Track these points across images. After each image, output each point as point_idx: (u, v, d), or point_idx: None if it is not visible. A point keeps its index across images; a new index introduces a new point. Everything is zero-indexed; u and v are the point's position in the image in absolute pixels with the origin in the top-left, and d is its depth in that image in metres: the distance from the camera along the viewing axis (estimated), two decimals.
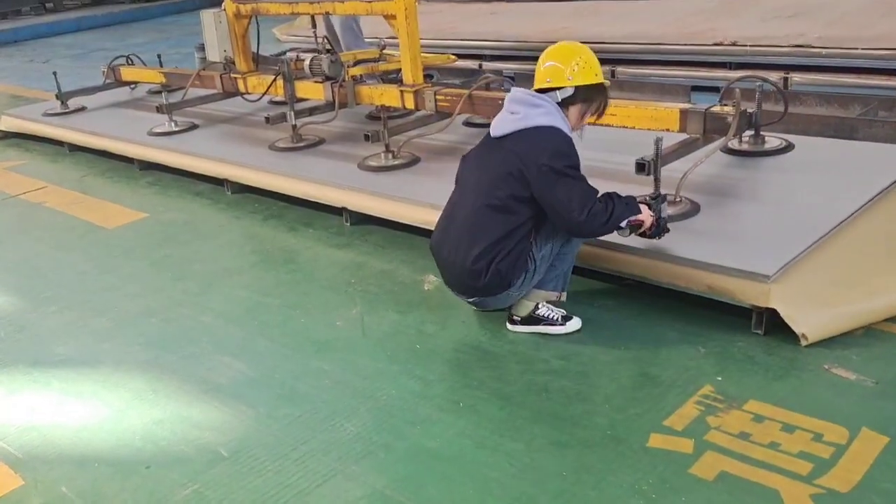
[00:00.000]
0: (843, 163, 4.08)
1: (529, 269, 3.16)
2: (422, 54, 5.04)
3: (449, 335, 3.41)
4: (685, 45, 6.60)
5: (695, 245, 3.34)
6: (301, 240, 4.55)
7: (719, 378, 2.93)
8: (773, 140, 4.33)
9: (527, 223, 3.11)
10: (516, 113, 3.17)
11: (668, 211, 3.35)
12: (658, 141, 3.43)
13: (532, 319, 3.33)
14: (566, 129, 3.15)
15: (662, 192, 3.37)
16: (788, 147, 4.28)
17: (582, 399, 2.90)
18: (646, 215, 3.18)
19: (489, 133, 3.28)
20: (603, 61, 3.45)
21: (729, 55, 6.33)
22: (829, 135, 4.61)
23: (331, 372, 3.23)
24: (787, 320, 3.01)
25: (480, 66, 7.32)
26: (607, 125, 3.95)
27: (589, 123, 3.37)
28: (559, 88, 3.16)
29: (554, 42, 3.34)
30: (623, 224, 3.14)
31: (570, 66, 3.17)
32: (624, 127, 4.14)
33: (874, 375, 2.85)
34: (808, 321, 3.01)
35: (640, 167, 3.52)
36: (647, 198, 3.26)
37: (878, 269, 3.29)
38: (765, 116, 4.23)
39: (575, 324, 3.33)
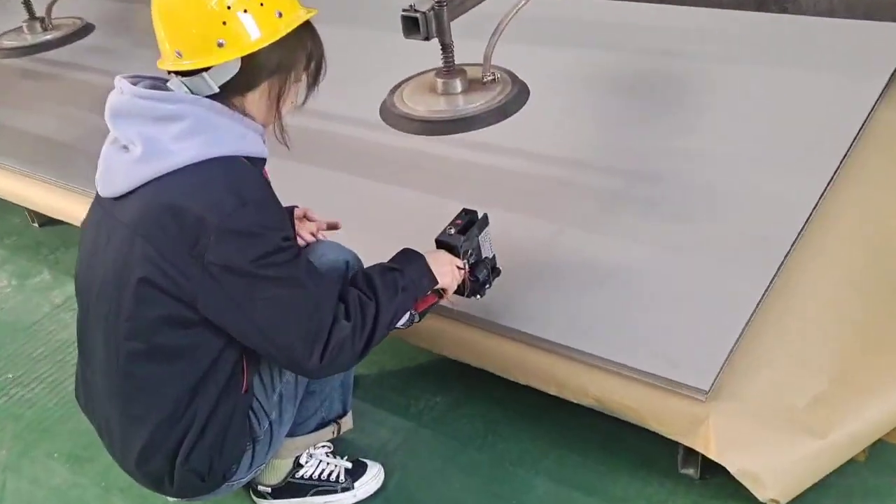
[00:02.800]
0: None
1: (260, 435, 1.64)
2: None
3: None
4: None
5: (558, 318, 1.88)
6: None
7: None
8: None
9: (221, 361, 1.52)
10: (132, 146, 1.43)
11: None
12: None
13: (293, 488, 1.85)
14: (244, 157, 1.46)
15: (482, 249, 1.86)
16: None
17: None
18: (446, 275, 1.68)
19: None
20: None
21: None
22: None
23: None
24: (740, 477, 1.61)
25: None
26: None
27: None
28: (207, 69, 1.44)
29: None
30: (404, 319, 1.66)
31: (218, 9, 1.41)
32: None
33: None
34: (774, 470, 1.62)
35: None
36: (458, 243, 1.76)
37: (855, 357, 1.85)
38: None
39: (370, 482, 1.86)
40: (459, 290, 1.77)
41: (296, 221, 1.85)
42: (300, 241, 1.82)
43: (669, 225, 2.05)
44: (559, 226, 2.12)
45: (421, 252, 1.68)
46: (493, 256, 1.91)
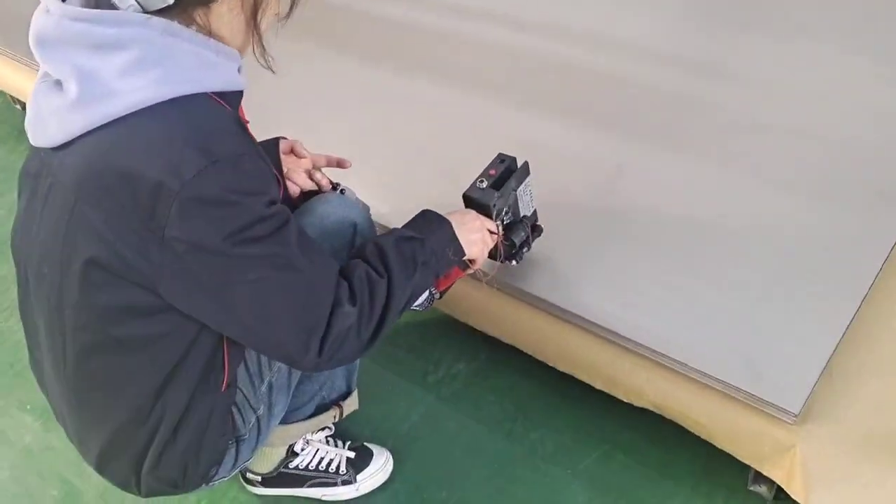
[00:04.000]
0: None
1: (244, 433, 1.34)
2: None
3: None
4: None
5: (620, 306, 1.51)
6: None
7: None
8: None
9: (195, 352, 1.19)
10: (66, 84, 1.04)
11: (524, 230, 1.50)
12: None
13: (286, 478, 1.58)
14: (214, 94, 1.08)
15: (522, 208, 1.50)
16: None
17: None
18: (476, 244, 1.34)
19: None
20: None
21: None
22: None
23: None
24: None
25: None
26: None
27: None
28: None
29: None
30: (422, 298, 1.32)
31: None
32: None
33: None
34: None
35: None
36: (491, 201, 1.38)
37: None
38: None
39: (376, 474, 1.58)
40: (491, 255, 1.42)
41: (283, 160, 1.47)
42: (292, 189, 1.45)
43: (760, 213, 1.63)
44: (618, 164, 1.71)
45: (444, 215, 1.31)
46: (534, 212, 1.54)
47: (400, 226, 1.29)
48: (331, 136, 1.93)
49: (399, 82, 2.14)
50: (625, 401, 1.47)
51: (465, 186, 1.40)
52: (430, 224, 1.29)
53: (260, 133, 1.26)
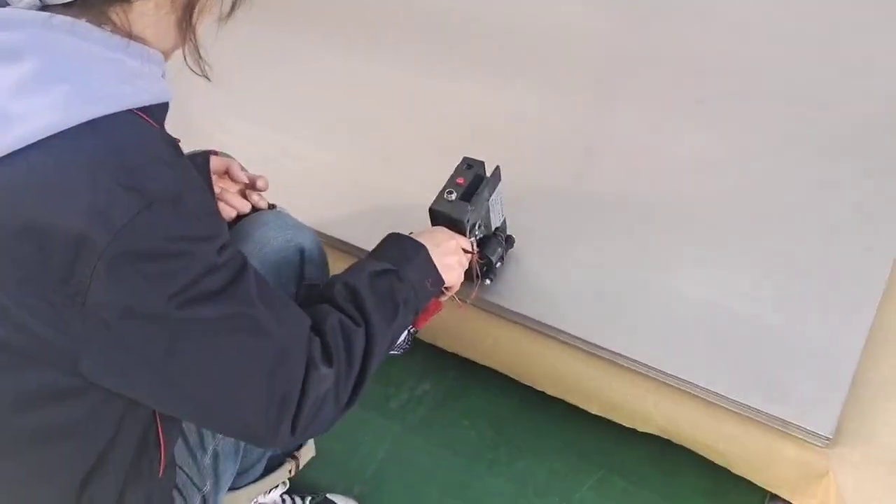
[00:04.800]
0: None
1: None
2: None
3: None
4: None
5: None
6: None
7: None
8: None
9: (122, 435, 0.92)
10: None
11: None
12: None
13: None
14: (137, 110, 0.82)
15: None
16: None
17: None
18: (453, 269, 1.13)
19: None
20: None
21: None
22: None
23: None
24: None
25: None
26: None
27: None
28: None
29: None
30: (402, 337, 1.10)
31: None
32: None
33: None
34: None
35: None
36: (464, 216, 1.16)
37: None
38: None
39: None
40: (466, 276, 1.21)
41: (214, 181, 1.20)
42: (226, 213, 1.19)
43: (768, 213, 1.44)
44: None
45: (417, 237, 1.09)
46: (504, 221, 1.33)
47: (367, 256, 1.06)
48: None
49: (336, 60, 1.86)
50: (626, 425, 1.29)
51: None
52: (403, 252, 1.07)
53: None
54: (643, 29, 1.79)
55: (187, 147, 0.98)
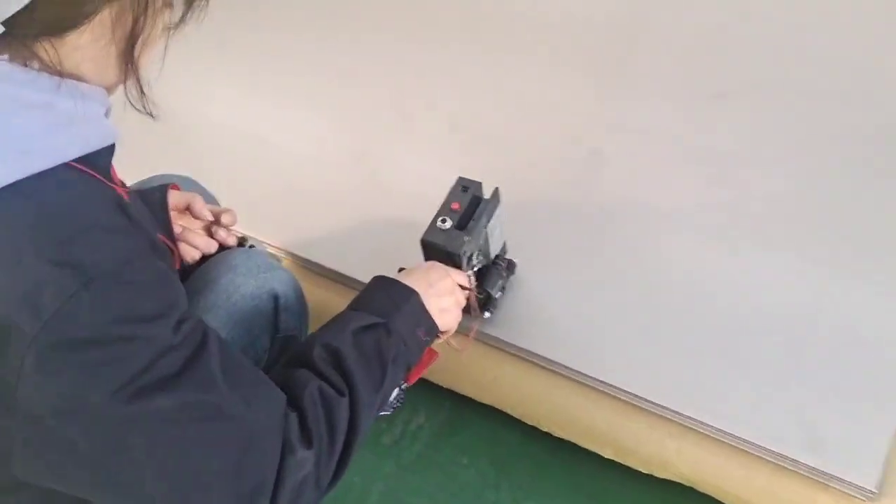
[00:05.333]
0: None
1: None
2: None
3: None
4: None
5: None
6: None
7: None
8: None
9: None
10: None
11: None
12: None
13: None
14: (73, 162, 0.69)
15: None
16: None
17: None
18: (450, 312, 0.99)
19: None
20: None
21: None
22: None
23: None
24: None
25: None
26: None
27: None
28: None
29: None
30: (392, 395, 0.95)
31: None
32: None
33: None
34: None
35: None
36: (459, 249, 1.02)
37: None
38: None
39: None
40: (463, 312, 1.07)
41: (175, 218, 1.05)
42: (188, 255, 1.05)
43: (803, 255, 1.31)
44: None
45: (405, 280, 0.96)
46: (504, 245, 1.19)
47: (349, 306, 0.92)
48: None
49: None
50: (643, 471, 1.17)
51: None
52: (391, 298, 0.94)
53: None
54: (657, 11, 1.64)
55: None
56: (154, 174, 1.21)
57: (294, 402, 0.80)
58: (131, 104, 0.78)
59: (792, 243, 1.24)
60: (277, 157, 1.53)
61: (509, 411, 1.25)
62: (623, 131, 1.45)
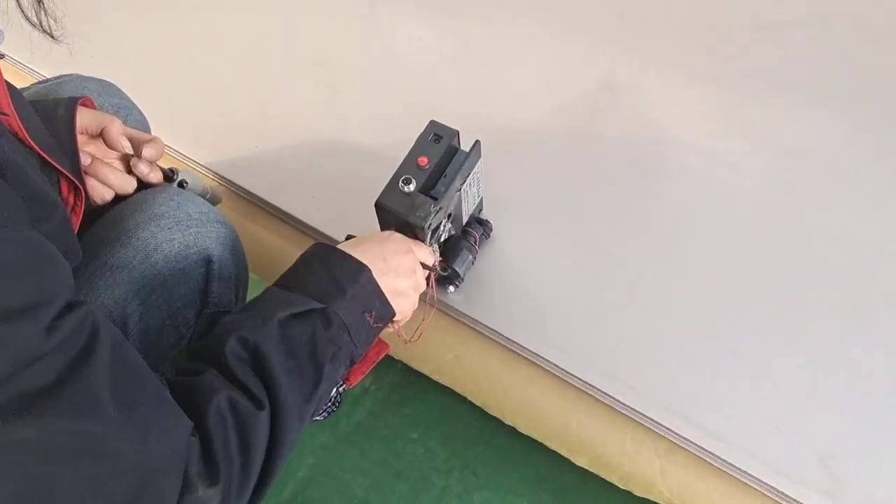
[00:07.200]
0: None
1: None
2: None
3: None
4: None
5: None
6: None
7: None
8: None
9: None
10: None
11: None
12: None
13: None
14: None
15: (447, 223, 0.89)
16: None
17: None
18: (407, 295, 0.78)
19: None
20: None
21: None
22: None
23: None
24: None
25: None
26: None
27: None
28: None
29: None
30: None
31: None
32: None
33: None
34: None
35: None
36: (423, 222, 0.79)
37: None
38: None
39: None
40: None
41: (84, 143, 0.81)
42: (98, 195, 0.82)
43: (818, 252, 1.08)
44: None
45: (352, 251, 0.74)
46: (481, 201, 0.96)
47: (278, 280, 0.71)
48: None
49: None
50: (619, 485, 0.99)
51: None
52: (333, 277, 0.72)
53: None
54: None
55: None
56: (64, 73, 0.95)
57: (196, 421, 0.60)
58: (23, 14, 0.55)
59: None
60: (220, 63, 1.26)
61: (469, 397, 1.05)
62: (631, 77, 1.19)
